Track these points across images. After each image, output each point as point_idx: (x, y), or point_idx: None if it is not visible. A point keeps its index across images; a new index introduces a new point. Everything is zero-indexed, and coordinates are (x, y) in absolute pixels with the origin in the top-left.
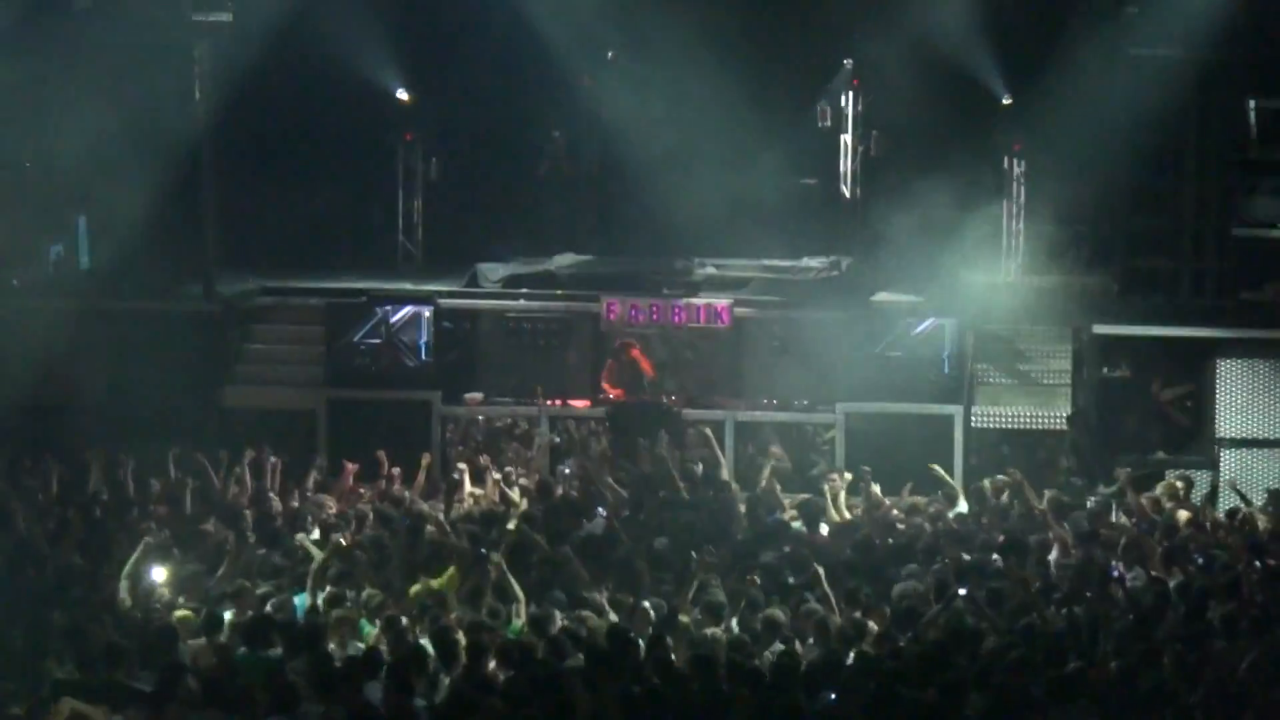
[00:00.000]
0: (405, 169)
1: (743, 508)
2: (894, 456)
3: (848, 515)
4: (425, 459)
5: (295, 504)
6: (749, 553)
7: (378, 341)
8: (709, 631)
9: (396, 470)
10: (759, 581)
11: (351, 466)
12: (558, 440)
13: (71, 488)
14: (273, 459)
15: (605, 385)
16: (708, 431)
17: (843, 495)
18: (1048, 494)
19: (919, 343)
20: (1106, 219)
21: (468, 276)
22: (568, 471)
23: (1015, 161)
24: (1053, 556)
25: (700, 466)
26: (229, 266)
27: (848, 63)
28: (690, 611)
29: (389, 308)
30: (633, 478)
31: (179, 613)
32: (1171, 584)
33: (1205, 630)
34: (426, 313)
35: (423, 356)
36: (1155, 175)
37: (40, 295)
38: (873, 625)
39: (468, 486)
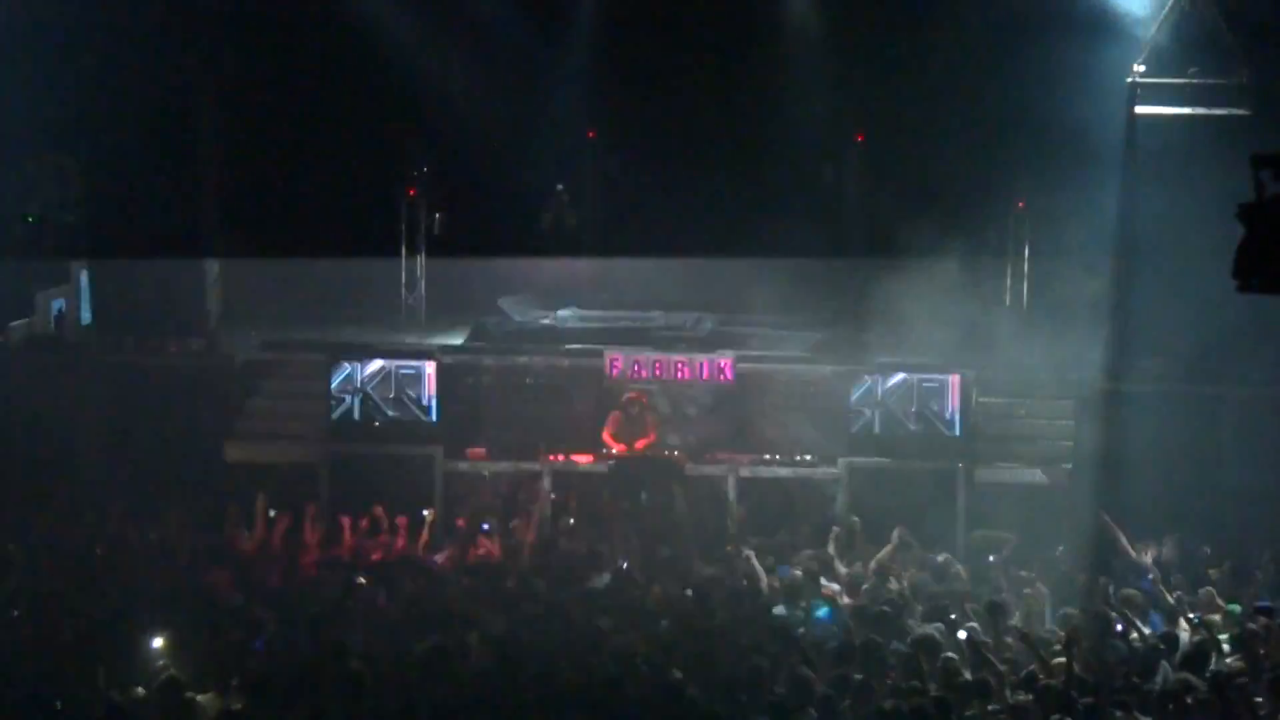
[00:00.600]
0: (408, 223)
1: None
2: (897, 512)
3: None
4: (429, 514)
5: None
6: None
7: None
8: None
9: (401, 521)
10: None
11: (345, 520)
12: (554, 497)
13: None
14: (272, 512)
15: (607, 438)
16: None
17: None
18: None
19: (923, 399)
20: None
21: (472, 329)
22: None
23: (1019, 222)
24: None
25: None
26: (231, 321)
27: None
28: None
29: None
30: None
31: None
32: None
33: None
34: (429, 368)
35: (421, 411)
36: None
37: (42, 349)
38: None
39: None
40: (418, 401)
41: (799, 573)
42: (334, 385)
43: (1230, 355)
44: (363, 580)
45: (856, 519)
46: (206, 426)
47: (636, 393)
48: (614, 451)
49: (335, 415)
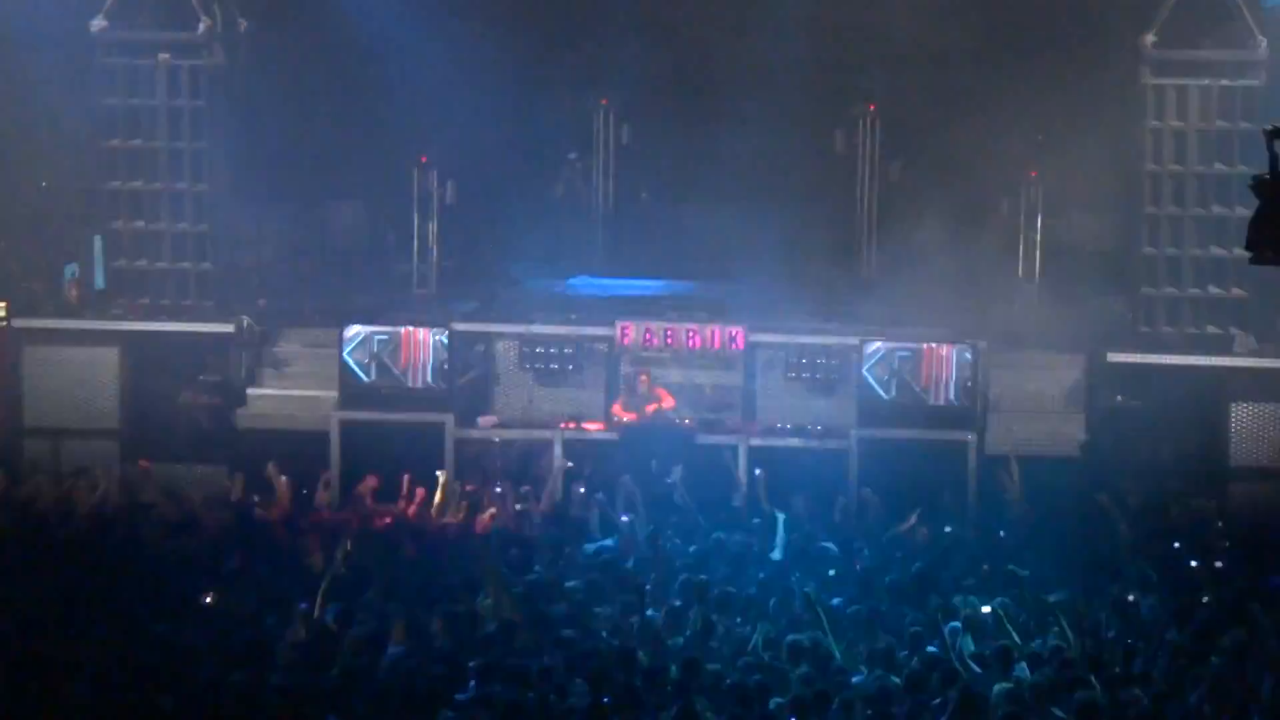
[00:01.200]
0: (420, 191)
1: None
2: (907, 483)
3: None
4: (441, 477)
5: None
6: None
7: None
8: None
9: (420, 490)
10: None
11: (370, 483)
12: (570, 465)
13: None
14: (283, 478)
15: (617, 410)
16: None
17: None
18: None
19: (934, 370)
20: (1121, 246)
21: (483, 297)
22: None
23: (1031, 188)
24: None
25: None
26: (243, 289)
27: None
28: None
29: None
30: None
31: None
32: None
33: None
34: (441, 336)
35: (432, 379)
36: (1170, 202)
37: (55, 315)
38: None
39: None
40: (429, 369)
41: None
42: (346, 352)
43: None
44: (349, 547)
45: (868, 490)
46: (219, 393)
47: (644, 374)
48: (625, 419)
49: (347, 382)
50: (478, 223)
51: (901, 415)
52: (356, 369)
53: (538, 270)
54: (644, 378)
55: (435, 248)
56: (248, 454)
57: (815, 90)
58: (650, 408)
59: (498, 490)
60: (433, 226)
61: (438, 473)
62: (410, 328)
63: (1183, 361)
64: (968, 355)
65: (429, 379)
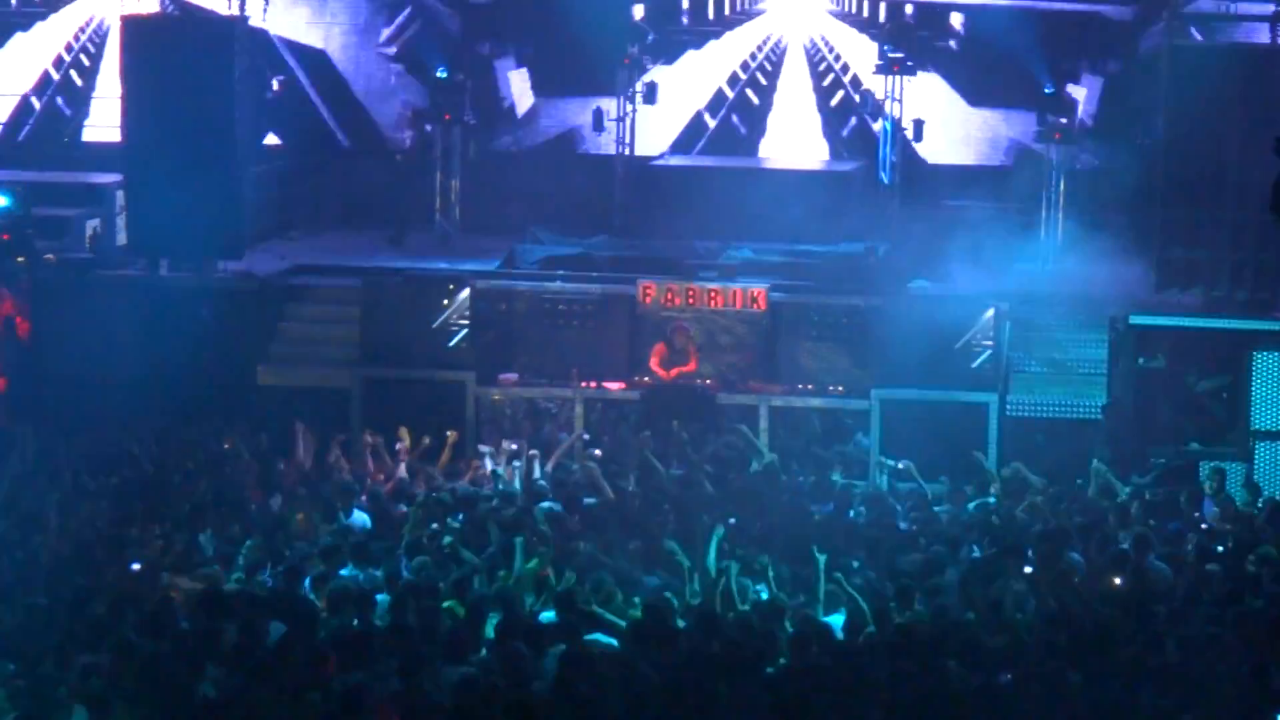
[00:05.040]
0: (444, 148)
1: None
2: (929, 443)
3: None
4: (451, 436)
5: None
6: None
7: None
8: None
9: (425, 441)
10: None
11: (371, 440)
12: (587, 437)
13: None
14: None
15: (654, 366)
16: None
17: None
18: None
19: (956, 330)
20: (1145, 208)
21: (505, 256)
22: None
23: (1056, 149)
24: None
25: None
26: (264, 244)
27: (887, 49)
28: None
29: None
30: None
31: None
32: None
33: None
34: (463, 293)
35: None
36: (1195, 165)
37: (77, 270)
38: None
39: (489, 466)
40: (452, 326)
41: None
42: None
43: (1265, 287)
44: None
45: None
46: (239, 349)
47: (680, 324)
48: (645, 380)
49: (369, 339)
50: (500, 180)
51: (923, 375)
52: (380, 325)
53: (559, 228)
54: (681, 331)
55: (457, 205)
56: (269, 411)
57: None
58: (675, 371)
59: (513, 447)
60: (455, 184)
61: (448, 432)
62: (434, 284)
63: (1205, 324)
64: (990, 316)
65: (451, 336)
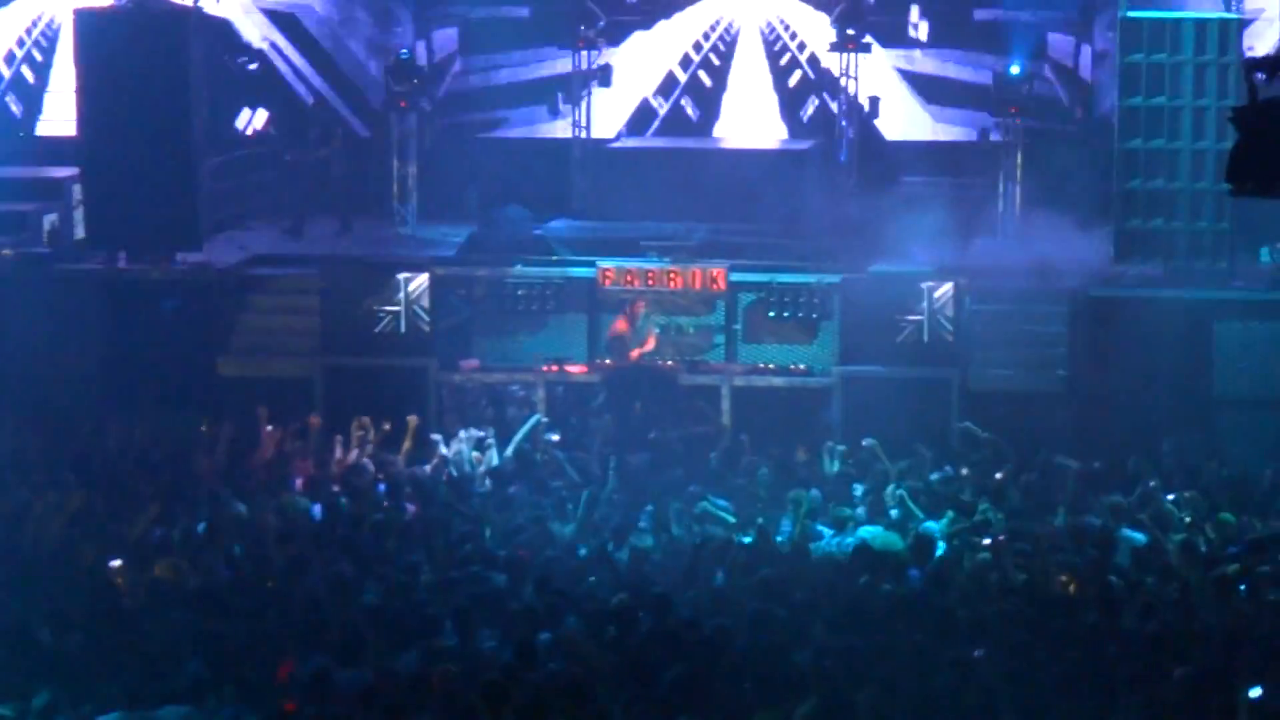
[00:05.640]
0: (400, 134)
1: None
2: (892, 420)
3: None
4: (412, 421)
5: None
6: None
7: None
8: None
9: (386, 427)
10: None
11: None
12: (545, 420)
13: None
14: (269, 427)
15: (619, 330)
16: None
17: None
18: None
19: (916, 306)
20: (1103, 180)
21: (466, 240)
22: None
23: (1013, 124)
24: None
25: None
26: (222, 233)
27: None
28: None
29: (408, 275)
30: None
31: None
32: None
33: None
34: (423, 280)
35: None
36: (1151, 134)
37: (35, 265)
38: None
39: (442, 450)
40: (412, 313)
41: None
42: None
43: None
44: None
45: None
46: (199, 341)
47: (641, 301)
48: (607, 362)
49: (330, 327)
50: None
51: (884, 352)
52: (342, 314)
53: (517, 213)
54: (640, 304)
55: (415, 191)
56: (230, 402)
57: None
58: (635, 352)
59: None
60: (412, 169)
61: (409, 418)
62: (390, 273)
63: (1165, 295)
64: (950, 291)
65: (412, 323)
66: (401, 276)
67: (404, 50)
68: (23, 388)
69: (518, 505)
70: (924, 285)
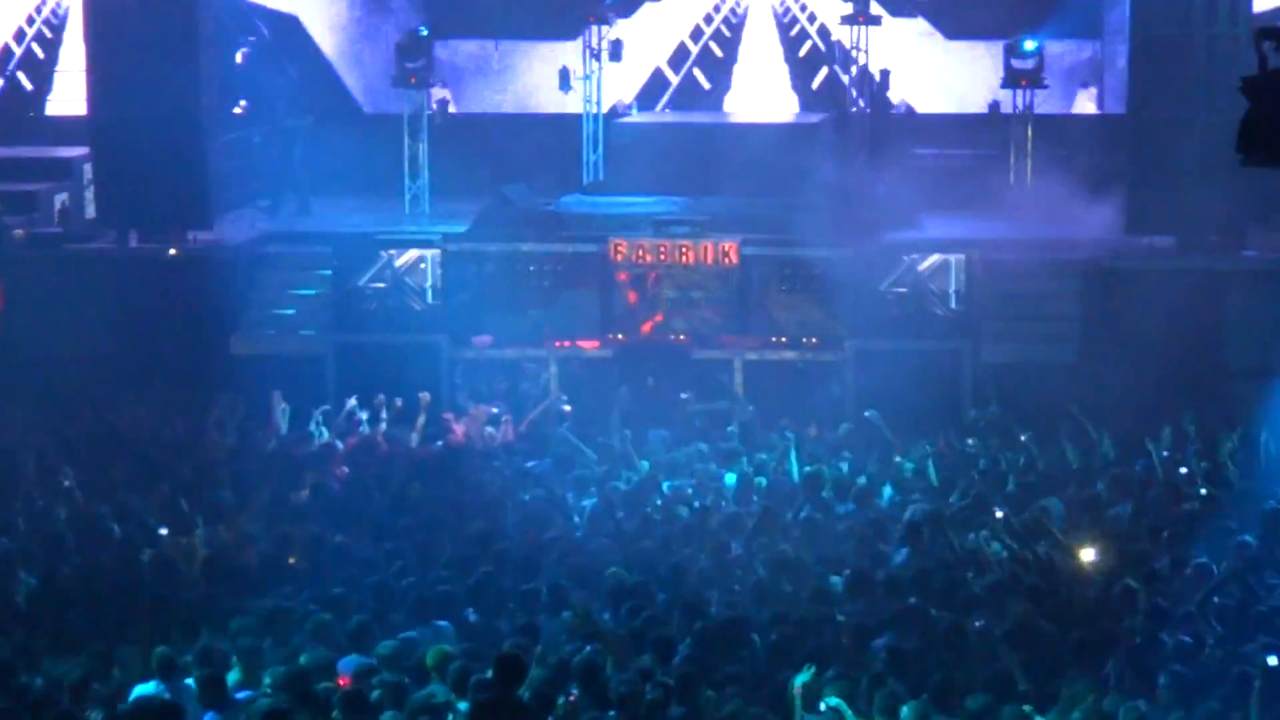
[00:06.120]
0: (411, 110)
1: None
2: (905, 393)
3: None
4: (424, 398)
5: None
6: None
7: (383, 285)
8: None
9: (399, 403)
10: None
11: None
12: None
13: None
14: (283, 405)
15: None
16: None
17: None
18: None
19: (927, 279)
20: (1114, 152)
21: (479, 214)
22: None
23: (1022, 96)
24: None
25: None
26: (234, 211)
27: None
28: None
29: (394, 251)
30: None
31: None
32: None
33: None
34: (435, 257)
35: (426, 299)
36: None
37: (46, 245)
38: None
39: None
40: (423, 289)
41: None
42: (341, 274)
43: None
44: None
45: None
46: (212, 319)
47: (654, 274)
48: (620, 337)
49: (342, 304)
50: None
51: (897, 325)
52: (352, 290)
53: (528, 188)
54: (653, 276)
55: (425, 168)
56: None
57: None
58: (647, 326)
59: (494, 411)
60: (423, 146)
61: (421, 394)
62: (402, 249)
63: (1177, 265)
64: (963, 264)
65: (424, 299)
66: (387, 254)
67: (422, 28)
68: (35, 367)
69: (533, 481)
70: (935, 257)
